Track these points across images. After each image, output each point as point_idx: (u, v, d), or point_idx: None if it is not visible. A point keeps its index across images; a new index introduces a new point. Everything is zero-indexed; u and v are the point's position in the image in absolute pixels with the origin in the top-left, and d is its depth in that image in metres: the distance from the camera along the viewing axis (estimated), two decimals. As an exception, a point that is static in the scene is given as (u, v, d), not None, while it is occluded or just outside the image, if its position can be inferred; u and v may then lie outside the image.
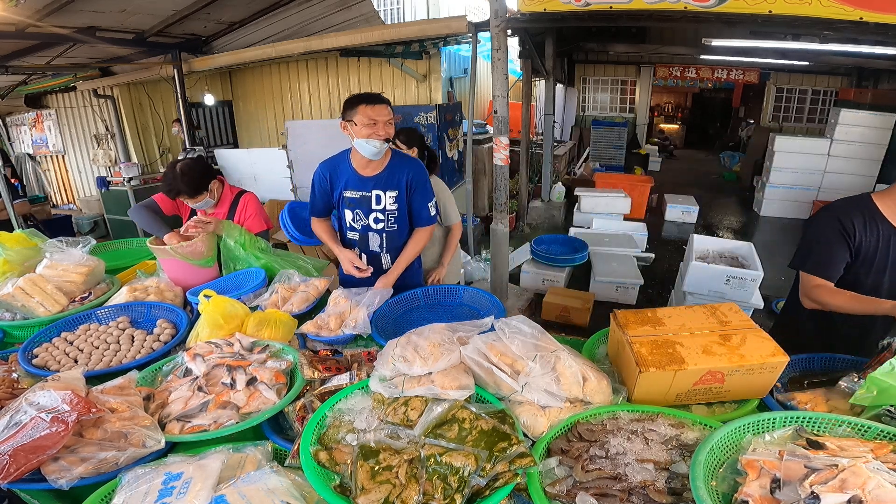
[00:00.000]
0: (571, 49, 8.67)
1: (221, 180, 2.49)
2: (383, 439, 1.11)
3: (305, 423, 1.20)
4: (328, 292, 2.14)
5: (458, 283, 2.87)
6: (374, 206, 2.14)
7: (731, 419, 1.10)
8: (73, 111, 7.93)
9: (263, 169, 6.56)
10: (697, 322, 1.39)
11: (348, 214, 2.20)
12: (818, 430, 1.07)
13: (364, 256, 2.27)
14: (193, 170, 2.30)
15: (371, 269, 2.17)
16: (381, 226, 2.18)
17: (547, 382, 1.22)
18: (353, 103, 1.98)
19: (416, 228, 2.23)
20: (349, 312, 1.83)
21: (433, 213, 2.20)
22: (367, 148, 1.98)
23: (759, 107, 10.69)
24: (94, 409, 1.15)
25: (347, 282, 2.31)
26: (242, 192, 2.55)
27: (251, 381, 1.37)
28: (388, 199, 2.13)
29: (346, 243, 2.30)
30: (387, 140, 1.99)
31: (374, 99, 1.97)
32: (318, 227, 2.32)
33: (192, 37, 6.13)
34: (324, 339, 1.74)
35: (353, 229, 2.23)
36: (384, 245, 2.23)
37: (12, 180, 6.01)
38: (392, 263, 2.24)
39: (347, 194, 2.15)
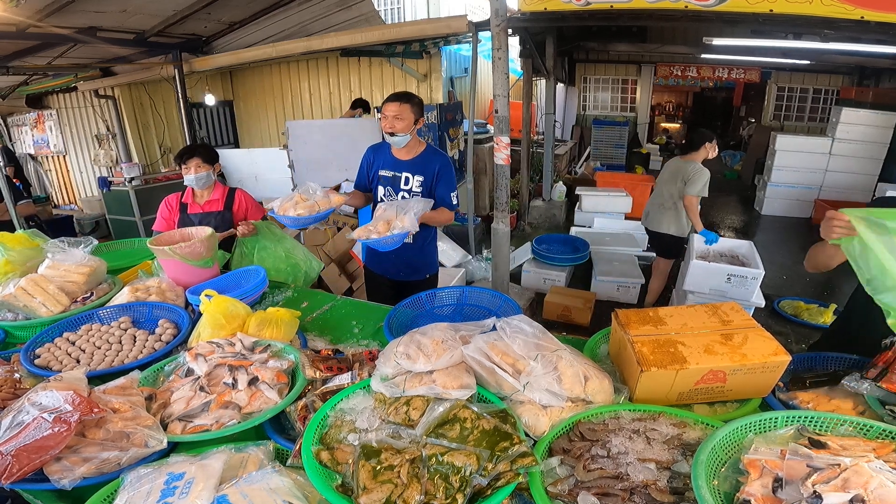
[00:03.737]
0: (572, 48, 8.64)
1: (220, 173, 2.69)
2: (385, 439, 1.11)
3: (307, 422, 1.21)
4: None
5: None
6: (402, 186, 2.48)
7: (732, 418, 1.10)
8: (74, 111, 7.93)
9: (264, 169, 6.54)
10: (699, 321, 1.39)
11: (381, 190, 2.55)
12: (820, 430, 1.07)
13: None
14: (209, 147, 2.82)
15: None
16: None
17: (548, 382, 1.22)
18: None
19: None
20: (395, 219, 2.07)
21: (455, 202, 2.52)
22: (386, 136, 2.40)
23: (760, 106, 10.64)
24: (96, 409, 1.16)
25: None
26: (233, 188, 2.85)
27: (253, 381, 1.37)
28: (415, 182, 2.46)
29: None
30: (391, 134, 2.33)
31: (387, 98, 2.38)
32: (355, 193, 2.67)
33: (192, 37, 6.12)
34: (373, 240, 2.01)
35: (383, 202, 2.48)
36: None
37: (14, 180, 5.95)
38: (413, 241, 2.50)
39: (382, 173, 2.52)
